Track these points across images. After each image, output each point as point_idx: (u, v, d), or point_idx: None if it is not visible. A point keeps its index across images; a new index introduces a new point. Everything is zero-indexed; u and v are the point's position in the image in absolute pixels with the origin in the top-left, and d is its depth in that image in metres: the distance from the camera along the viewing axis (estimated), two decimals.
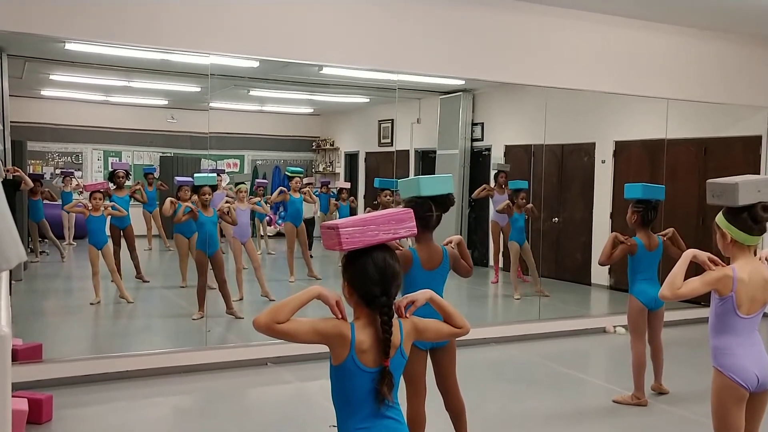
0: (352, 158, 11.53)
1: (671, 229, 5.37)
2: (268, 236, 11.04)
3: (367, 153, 11.18)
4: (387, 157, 10.25)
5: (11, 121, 7.60)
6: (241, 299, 7.98)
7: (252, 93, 10.58)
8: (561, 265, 9.72)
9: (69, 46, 6.25)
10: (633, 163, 9.11)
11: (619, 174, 9.04)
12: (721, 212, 3.17)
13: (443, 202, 3.76)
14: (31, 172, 9.28)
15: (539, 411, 5.15)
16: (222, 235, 8.78)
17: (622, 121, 9.16)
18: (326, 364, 2.32)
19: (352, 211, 9.56)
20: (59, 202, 9.37)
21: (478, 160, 10.08)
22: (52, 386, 5.15)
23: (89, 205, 7.61)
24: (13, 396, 3.41)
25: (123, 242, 8.33)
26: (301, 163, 11.43)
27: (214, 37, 5.71)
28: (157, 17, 5.51)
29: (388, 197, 8.40)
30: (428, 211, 3.69)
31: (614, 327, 7.55)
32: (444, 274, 3.80)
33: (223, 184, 9.33)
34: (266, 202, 9.20)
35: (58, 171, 10.01)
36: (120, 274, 8.37)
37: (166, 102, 10.91)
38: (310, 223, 9.70)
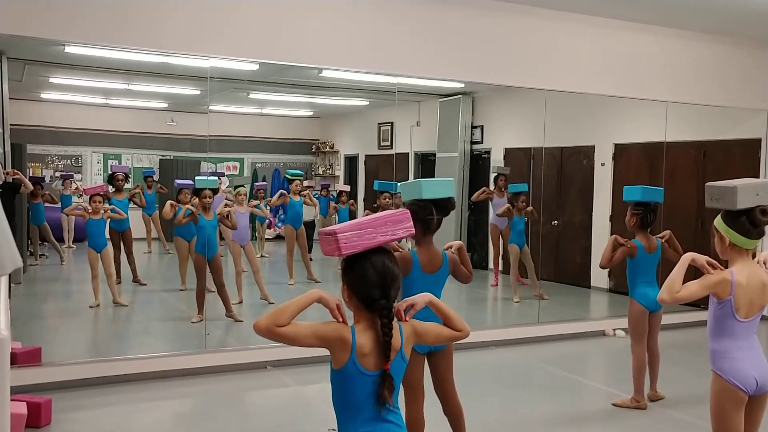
0: (351, 161, 11.52)
1: (668, 231, 5.38)
2: (267, 239, 11.03)
3: (366, 156, 11.18)
4: (387, 160, 10.25)
5: (11, 124, 7.60)
6: (240, 302, 7.98)
7: (252, 96, 10.58)
8: (560, 268, 9.72)
9: (69, 49, 6.26)
10: (632, 166, 9.12)
11: (618, 177, 9.04)
12: (719, 215, 3.16)
13: (444, 205, 3.76)
14: (31, 175, 9.28)
15: (539, 414, 5.15)
16: (221, 239, 8.78)
17: (622, 124, 9.16)
18: (325, 368, 2.32)
19: (352, 214, 9.56)
20: (59, 204, 9.36)
21: (478, 163, 10.08)
22: (51, 390, 5.15)
23: (89, 208, 7.61)
24: (12, 399, 3.41)
25: (122, 245, 8.32)
26: (300, 166, 11.41)
27: (213, 41, 5.71)
28: (156, 20, 5.52)
29: (387, 200, 8.40)
30: (429, 214, 3.69)
31: (614, 330, 7.55)
32: (443, 278, 3.79)
33: (223, 187, 9.32)
34: (266, 205, 9.20)
35: (57, 174, 10.00)
36: (119, 278, 8.38)
37: (166, 105, 10.91)
38: (310, 226, 9.69)
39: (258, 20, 5.85)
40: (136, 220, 8.94)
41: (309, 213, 9.68)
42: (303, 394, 5.62)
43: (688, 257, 3.14)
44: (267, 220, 10.45)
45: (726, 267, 3.12)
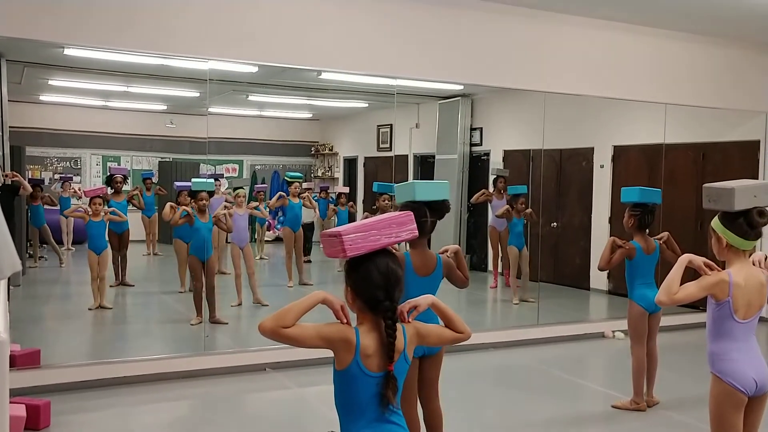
0: (350, 163, 11.54)
1: (666, 233, 5.38)
2: (266, 241, 11.03)
3: (365, 158, 11.19)
4: (386, 162, 10.26)
5: (10, 127, 7.61)
6: (239, 304, 7.98)
7: (251, 98, 10.59)
8: (560, 269, 9.73)
9: (68, 52, 6.27)
10: (631, 168, 9.12)
11: (617, 179, 9.04)
12: (716, 217, 3.17)
13: (439, 208, 3.73)
14: (30, 177, 9.28)
15: (538, 416, 5.15)
16: (227, 242, 8.77)
17: (621, 126, 9.17)
18: (325, 370, 2.32)
19: (351, 216, 9.57)
20: (58, 207, 9.36)
21: (477, 164, 10.09)
22: (50, 392, 5.14)
23: (89, 210, 7.61)
24: (10, 402, 3.40)
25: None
26: (299, 168, 11.42)
27: (213, 43, 5.72)
28: (156, 23, 5.52)
29: (386, 202, 8.41)
30: (423, 216, 3.64)
31: (613, 332, 7.55)
32: (437, 282, 3.76)
33: (222, 189, 9.32)
34: (266, 207, 9.20)
35: (57, 176, 10.00)
36: (119, 280, 8.38)
37: (165, 107, 10.92)
38: (309, 228, 9.69)
39: (257, 23, 5.85)
40: (134, 222, 8.95)
41: (308, 215, 9.68)
42: (302, 397, 5.62)
43: (685, 258, 3.14)
44: (266, 222, 10.45)
45: (724, 268, 3.12)
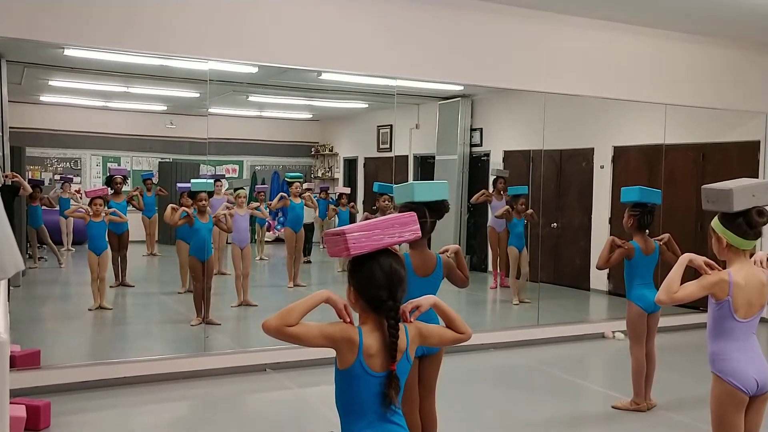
0: (350, 164, 11.54)
1: (667, 234, 5.38)
2: (266, 242, 11.04)
3: (366, 158, 11.19)
4: (386, 162, 10.26)
5: (10, 127, 7.61)
6: (240, 305, 7.98)
7: (251, 99, 10.59)
8: (560, 270, 9.72)
9: (68, 52, 6.27)
10: (631, 169, 9.12)
11: (617, 179, 9.04)
12: (716, 217, 3.17)
13: (438, 208, 3.73)
14: (30, 177, 9.28)
15: (538, 417, 5.15)
16: (228, 243, 8.77)
17: (621, 126, 9.17)
18: (325, 370, 2.32)
19: (352, 217, 9.57)
20: (57, 207, 9.36)
21: (477, 165, 10.09)
22: (51, 393, 5.14)
23: (90, 210, 7.61)
24: (11, 403, 3.40)
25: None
26: (299, 169, 11.42)
27: (213, 43, 5.72)
28: (156, 23, 5.52)
29: (386, 202, 8.41)
30: (422, 217, 3.63)
31: (613, 332, 7.55)
32: (437, 282, 3.76)
33: (223, 189, 9.33)
34: (267, 208, 9.21)
35: (57, 177, 10.00)
36: (119, 281, 8.38)
37: (165, 108, 10.92)
38: (309, 228, 9.70)
39: (257, 23, 5.86)
40: (135, 223, 8.94)
41: (308, 215, 9.69)
42: (303, 397, 5.62)
43: (685, 258, 3.14)
44: (266, 223, 10.46)
45: (724, 268, 3.12)
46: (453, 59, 6.67)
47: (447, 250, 3.89)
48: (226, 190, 9.52)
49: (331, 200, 10.32)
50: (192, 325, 7.07)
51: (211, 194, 7.47)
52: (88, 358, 6.20)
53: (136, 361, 5.80)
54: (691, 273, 3.11)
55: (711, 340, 3.16)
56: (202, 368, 5.88)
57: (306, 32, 6.01)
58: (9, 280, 4.47)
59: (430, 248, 3.85)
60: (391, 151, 9.64)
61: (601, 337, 7.60)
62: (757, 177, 8.26)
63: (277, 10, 5.93)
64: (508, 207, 8.65)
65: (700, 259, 3.12)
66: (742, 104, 8.27)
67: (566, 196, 9.75)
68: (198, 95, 8.87)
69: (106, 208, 7.80)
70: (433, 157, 10.30)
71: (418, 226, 2.44)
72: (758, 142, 8.44)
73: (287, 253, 9.06)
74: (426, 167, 10.34)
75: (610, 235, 6.16)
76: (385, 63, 6.41)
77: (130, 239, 8.48)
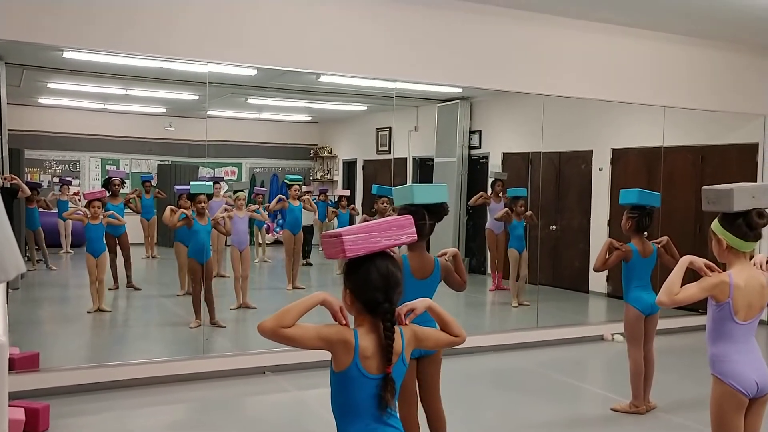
0: (349, 166, 11.53)
1: (665, 237, 5.38)
2: (267, 244, 11.03)
3: (364, 161, 11.19)
4: (385, 164, 10.26)
5: (9, 129, 7.60)
6: (239, 307, 7.97)
7: (250, 101, 10.59)
8: (559, 272, 9.72)
9: (67, 55, 6.27)
10: (630, 171, 9.13)
11: (616, 181, 9.05)
12: (716, 219, 3.18)
13: (437, 211, 3.73)
14: (28, 180, 9.27)
15: (537, 419, 5.15)
16: (227, 245, 8.76)
17: (620, 128, 9.18)
18: (324, 373, 2.32)
19: (352, 219, 9.57)
20: (55, 210, 9.35)
21: (476, 167, 10.09)
22: (49, 395, 5.14)
23: (88, 213, 7.61)
24: (9, 405, 3.40)
25: (118, 250, 8.30)
26: (298, 171, 11.42)
27: (212, 46, 5.72)
28: (155, 26, 5.53)
29: (385, 204, 8.41)
30: (421, 219, 3.65)
31: (612, 335, 7.55)
32: (434, 285, 3.76)
33: (222, 192, 9.32)
34: (265, 210, 9.21)
35: (56, 179, 9.98)
36: (117, 283, 8.37)
37: (164, 110, 10.91)
38: (308, 231, 9.69)
39: (256, 26, 5.86)
40: (134, 225, 8.93)
41: (307, 218, 9.68)
42: (302, 399, 5.61)
43: (686, 260, 3.15)
44: (265, 225, 10.45)
45: (724, 270, 3.13)
46: (452, 61, 6.68)
47: (445, 254, 3.89)
48: (225, 192, 9.51)
49: (330, 202, 10.32)
50: (191, 328, 7.06)
51: (210, 196, 7.46)
52: (87, 361, 6.20)
53: (135, 364, 5.79)
54: (692, 275, 3.12)
55: (711, 343, 3.16)
56: (201, 371, 5.88)
57: (305, 35, 6.02)
58: (8, 282, 4.46)
59: (429, 251, 3.86)
60: (390, 153, 9.64)
61: (600, 340, 7.60)
62: (756, 179, 8.27)
63: (277, 13, 5.93)
64: (506, 209, 8.65)
65: (700, 261, 3.13)
66: (741, 106, 8.28)
67: (565, 198, 9.75)
68: (197, 97, 8.87)
69: (104, 210, 7.80)
70: (432, 160, 10.30)
71: (415, 229, 2.45)
72: (757, 145, 8.45)
73: (285, 255, 9.05)
74: (425, 169, 10.34)
75: (609, 237, 6.17)
76: (384, 65, 6.42)
77: (129, 242, 8.47)
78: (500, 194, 9.04)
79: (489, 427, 5.00)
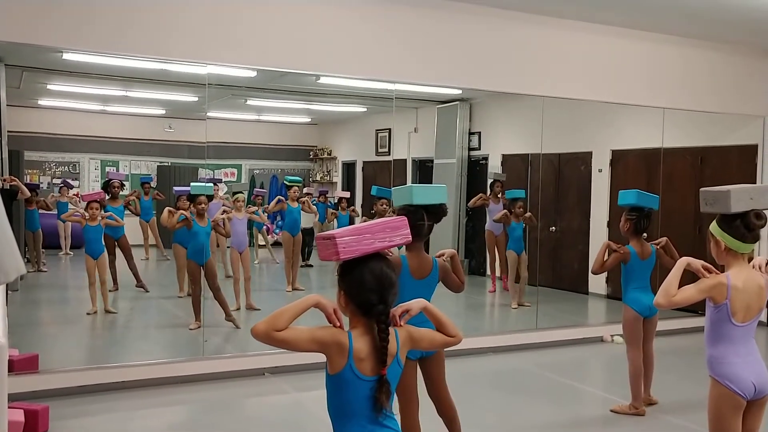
0: (349, 167, 11.54)
1: (664, 238, 5.39)
2: (271, 245, 11.03)
3: (364, 162, 11.20)
4: (384, 166, 10.27)
5: (8, 131, 7.61)
6: (238, 309, 7.97)
7: (249, 102, 10.59)
8: (558, 274, 9.73)
9: (67, 56, 6.26)
10: (630, 172, 9.14)
11: (616, 183, 9.05)
12: (714, 220, 3.18)
13: (436, 211, 3.75)
14: (28, 181, 9.27)
15: (536, 421, 5.15)
16: (217, 245, 8.76)
17: (619, 130, 9.19)
18: (323, 375, 2.32)
19: (352, 221, 9.56)
20: (55, 211, 9.35)
21: (476, 169, 10.10)
22: (49, 397, 5.14)
23: (86, 214, 7.60)
24: (9, 407, 3.40)
25: (118, 252, 8.30)
26: (298, 173, 11.44)
27: (211, 48, 5.72)
28: (155, 28, 5.53)
29: (384, 206, 8.41)
30: (420, 219, 3.67)
31: (612, 336, 7.55)
32: (433, 285, 3.78)
33: (221, 193, 9.32)
34: (264, 211, 9.21)
35: (58, 181, 9.98)
36: (117, 285, 8.36)
37: (164, 111, 10.92)
38: (309, 233, 9.69)
39: (256, 27, 5.86)
40: (133, 227, 8.93)
41: (309, 220, 9.68)
42: (301, 401, 5.61)
43: (683, 261, 3.15)
44: (264, 227, 10.46)
45: (722, 272, 3.13)
46: (451, 63, 6.68)
47: (443, 254, 3.91)
48: (224, 193, 9.51)
49: (329, 204, 10.32)
50: (191, 329, 7.06)
51: (210, 198, 7.46)
52: (86, 363, 6.20)
53: (135, 365, 5.79)
54: (691, 277, 3.12)
55: (709, 344, 3.16)
56: (201, 372, 5.88)
57: (305, 36, 6.02)
58: (7, 284, 4.46)
59: (428, 252, 3.87)
60: (389, 154, 9.65)
61: (599, 341, 7.60)
62: (756, 181, 8.27)
63: (276, 14, 5.93)
64: (505, 211, 8.65)
65: (698, 263, 3.13)
66: (740, 108, 8.29)
67: (565, 199, 9.76)
68: (197, 99, 8.88)
69: (102, 212, 7.79)
70: (432, 161, 10.31)
71: (409, 230, 2.45)
72: (756, 146, 8.45)
73: (285, 257, 9.05)
74: (424, 171, 10.35)
75: (609, 238, 6.18)
76: (384, 67, 6.42)
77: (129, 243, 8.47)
78: (499, 195, 9.05)
79: (489, 428, 5.00)
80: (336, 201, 9.89)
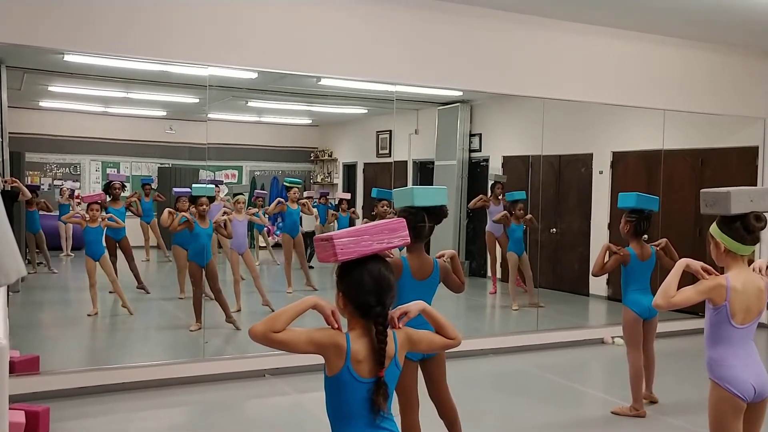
0: (350, 169, 11.55)
1: (664, 239, 5.39)
2: (271, 246, 11.03)
3: (365, 164, 11.20)
4: (385, 168, 10.27)
5: (10, 133, 7.61)
6: (238, 310, 7.96)
7: (250, 104, 10.60)
8: (559, 275, 9.72)
9: (68, 58, 6.27)
10: (630, 174, 9.14)
11: (616, 185, 9.06)
12: (714, 222, 3.19)
13: (437, 213, 3.77)
14: (29, 183, 9.28)
15: (537, 422, 5.14)
16: (219, 247, 8.76)
17: (620, 132, 9.19)
18: (323, 376, 2.32)
19: (352, 223, 9.56)
20: (56, 213, 9.36)
21: (476, 170, 10.10)
22: (50, 398, 5.14)
23: (86, 216, 7.61)
24: (10, 408, 3.40)
25: (120, 253, 8.30)
26: (299, 174, 11.44)
27: (212, 49, 5.73)
28: (156, 29, 5.54)
29: (385, 207, 8.41)
30: (421, 221, 3.69)
31: (612, 338, 7.54)
32: (434, 286, 3.79)
33: (221, 195, 9.32)
34: (264, 213, 9.21)
35: (63, 184, 9.99)
36: (140, 284, 8.38)
37: (165, 113, 10.93)
38: (310, 235, 9.69)
39: (256, 29, 5.87)
40: (134, 228, 8.93)
41: (310, 223, 9.69)
42: (302, 403, 5.61)
43: (682, 263, 3.15)
44: (265, 228, 10.46)
45: (722, 273, 3.13)
46: (452, 65, 6.69)
47: (443, 255, 3.92)
48: (225, 195, 9.51)
49: (330, 205, 10.32)
50: (191, 331, 7.06)
51: (212, 199, 7.47)
52: (87, 364, 6.20)
53: (136, 367, 5.79)
54: (691, 278, 3.12)
55: (709, 346, 3.17)
56: (201, 374, 5.88)
57: (305, 38, 6.03)
58: (8, 285, 4.47)
59: (429, 253, 3.88)
60: (390, 156, 9.65)
61: (600, 343, 7.60)
62: (756, 182, 8.28)
63: (277, 16, 5.94)
64: (505, 212, 8.66)
65: (697, 264, 3.13)
66: (741, 110, 8.29)
67: (565, 201, 9.76)
68: (197, 101, 8.88)
69: (103, 213, 7.79)
70: (432, 163, 10.32)
71: (407, 232, 2.45)
72: (756, 148, 8.45)
73: (285, 258, 9.06)
74: (425, 172, 10.35)
75: (609, 240, 6.18)
76: (385, 69, 6.43)
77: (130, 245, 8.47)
78: (500, 197, 9.05)
79: (489, 429, 5.00)
80: (336, 202, 9.89)
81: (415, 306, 2.40)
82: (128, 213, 8.73)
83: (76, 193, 9.76)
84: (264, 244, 10.90)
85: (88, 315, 7.64)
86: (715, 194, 3.12)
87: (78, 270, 8.61)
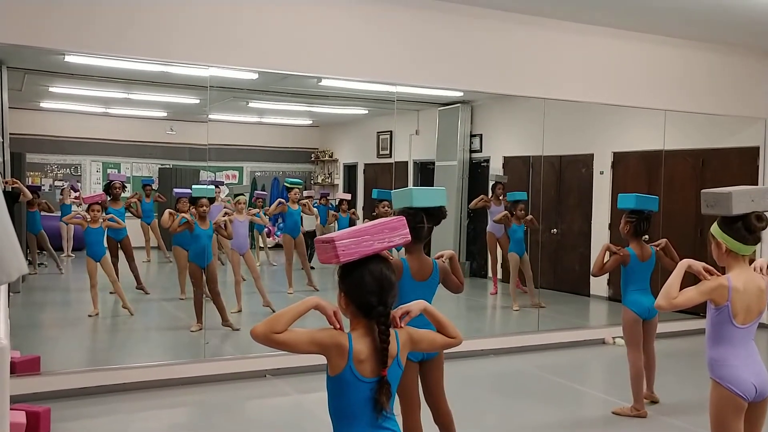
0: (350, 170, 11.55)
1: (664, 239, 5.39)
2: (269, 248, 11.04)
3: (365, 164, 11.21)
4: (386, 168, 10.27)
5: (10, 133, 7.62)
6: (239, 311, 7.97)
7: (251, 105, 10.61)
8: (559, 276, 9.72)
9: (68, 59, 6.28)
10: (631, 175, 9.14)
11: (617, 185, 9.06)
12: (715, 222, 3.19)
13: (436, 214, 3.76)
14: (30, 184, 9.29)
15: (538, 423, 5.14)
16: (220, 248, 8.77)
17: (620, 132, 9.19)
18: (325, 377, 2.32)
19: (352, 223, 9.57)
20: (57, 213, 9.36)
21: (477, 171, 10.11)
22: (51, 399, 5.15)
23: (87, 216, 7.61)
24: (11, 409, 3.40)
25: (120, 254, 8.31)
26: (299, 175, 11.44)
27: (213, 50, 5.73)
28: (157, 30, 5.54)
29: (386, 208, 8.41)
30: (420, 222, 3.69)
31: (613, 338, 7.54)
32: (433, 287, 3.79)
33: (222, 195, 9.32)
34: (265, 214, 9.22)
35: (65, 184, 10.00)
36: (139, 285, 8.38)
37: (165, 114, 10.93)
38: (311, 236, 9.69)
39: (257, 29, 5.87)
40: (134, 229, 8.94)
41: (311, 223, 9.68)
42: (303, 403, 5.61)
43: (684, 263, 3.15)
44: (266, 229, 10.46)
45: (723, 273, 3.13)
46: (453, 65, 6.69)
47: (442, 256, 3.92)
48: (226, 195, 9.52)
49: (331, 206, 10.32)
50: (192, 331, 7.07)
51: (212, 200, 7.47)
52: (88, 364, 6.20)
53: (136, 367, 5.80)
54: (691, 279, 3.12)
55: (710, 346, 3.16)
56: (202, 374, 5.88)
57: (306, 38, 6.03)
58: (9, 285, 4.47)
59: (429, 254, 3.87)
60: (390, 157, 9.65)
61: (601, 343, 7.60)
62: (757, 183, 8.27)
63: (278, 17, 5.94)
64: (505, 212, 8.66)
65: (699, 265, 3.13)
66: (741, 110, 8.29)
67: (566, 202, 9.76)
68: (198, 101, 8.89)
69: (104, 214, 7.80)
70: (433, 163, 10.32)
71: (408, 230, 2.45)
72: (757, 148, 8.44)
73: (286, 259, 9.07)
74: (426, 173, 10.35)
75: (610, 241, 6.18)
76: (385, 69, 6.43)
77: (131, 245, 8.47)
78: (501, 197, 9.05)
79: (490, 430, 5.00)
80: (337, 203, 9.89)
81: (416, 305, 2.41)
82: (128, 214, 8.73)
83: (76, 195, 9.77)
84: (262, 245, 10.91)
85: (89, 315, 7.65)
86: (716, 195, 3.12)
87: (79, 271, 8.63)
